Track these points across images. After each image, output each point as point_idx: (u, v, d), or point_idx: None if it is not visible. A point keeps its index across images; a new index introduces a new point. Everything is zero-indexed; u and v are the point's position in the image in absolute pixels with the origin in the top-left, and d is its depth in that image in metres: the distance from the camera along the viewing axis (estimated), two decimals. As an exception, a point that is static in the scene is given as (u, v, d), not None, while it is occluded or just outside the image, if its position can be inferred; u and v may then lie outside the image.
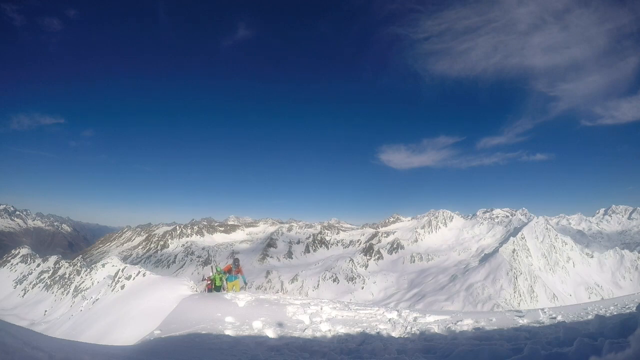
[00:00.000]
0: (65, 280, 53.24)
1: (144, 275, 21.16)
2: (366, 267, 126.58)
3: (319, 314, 4.28)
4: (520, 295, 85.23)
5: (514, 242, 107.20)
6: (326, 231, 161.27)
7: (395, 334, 3.94)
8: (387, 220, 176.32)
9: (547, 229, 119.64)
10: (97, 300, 23.53)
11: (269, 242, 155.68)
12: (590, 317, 3.35)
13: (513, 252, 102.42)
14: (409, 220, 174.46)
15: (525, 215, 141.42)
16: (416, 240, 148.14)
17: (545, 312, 4.04)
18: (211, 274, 14.49)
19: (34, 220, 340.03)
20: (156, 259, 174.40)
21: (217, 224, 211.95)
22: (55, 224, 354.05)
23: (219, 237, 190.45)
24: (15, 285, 60.63)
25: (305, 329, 4.07)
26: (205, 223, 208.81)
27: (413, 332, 3.81)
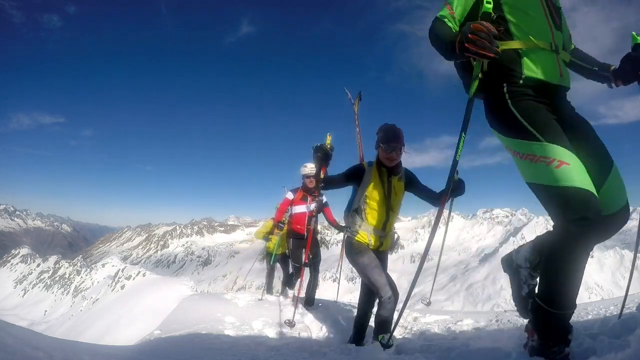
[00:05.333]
0: (65, 280, 53.19)
1: (144, 275, 21.16)
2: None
3: (319, 314, 4.28)
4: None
5: (514, 242, 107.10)
6: (326, 231, 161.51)
7: (395, 334, 3.95)
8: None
9: (547, 229, 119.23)
10: (97, 300, 23.52)
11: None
12: (590, 317, 3.35)
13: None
14: (408, 220, 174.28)
15: (526, 215, 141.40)
16: (416, 240, 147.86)
17: (545, 313, 4.03)
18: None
19: (34, 220, 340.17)
20: (156, 259, 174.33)
21: (217, 224, 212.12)
22: (55, 224, 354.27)
23: (219, 237, 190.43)
24: (15, 285, 60.55)
25: (305, 328, 4.07)
26: (205, 223, 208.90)
27: (413, 332, 3.80)
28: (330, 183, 2.96)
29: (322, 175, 2.80)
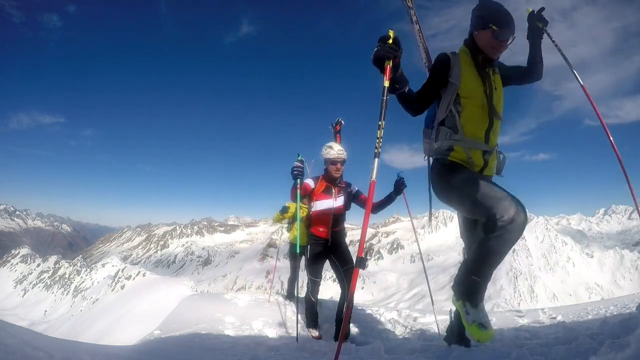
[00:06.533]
0: (65, 280, 53.20)
1: (143, 275, 21.16)
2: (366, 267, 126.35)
3: (319, 314, 4.28)
4: (520, 295, 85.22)
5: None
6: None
7: (395, 334, 3.93)
8: (387, 220, 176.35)
9: (547, 229, 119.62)
10: (97, 300, 23.54)
11: (269, 242, 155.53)
12: (590, 317, 3.35)
13: (513, 252, 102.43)
14: (409, 220, 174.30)
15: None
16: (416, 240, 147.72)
17: (545, 312, 4.03)
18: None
19: (34, 220, 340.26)
20: (156, 259, 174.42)
21: (217, 224, 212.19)
22: (55, 224, 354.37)
23: (219, 237, 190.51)
24: (15, 285, 60.57)
25: (305, 329, 4.07)
26: (205, 223, 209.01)
27: (413, 332, 3.80)
28: (424, 97, 1.99)
29: (388, 74, 1.81)
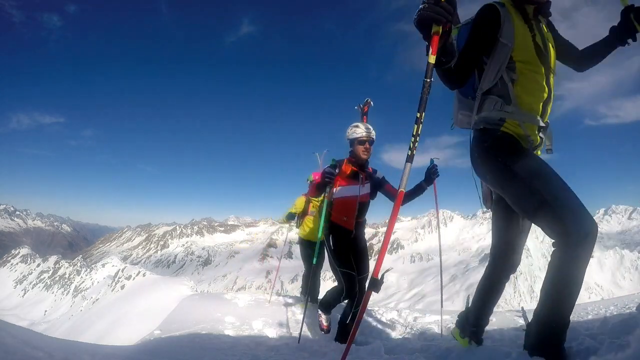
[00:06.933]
0: (65, 280, 53.22)
1: (144, 275, 21.19)
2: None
3: (318, 314, 4.28)
4: (520, 295, 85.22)
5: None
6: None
7: (395, 334, 3.93)
8: (387, 220, 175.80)
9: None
10: (97, 300, 23.55)
11: (269, 242, 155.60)
12: (590, 317, 3.35)
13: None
14: (409, 220, 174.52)
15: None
16: (416, 240, 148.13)
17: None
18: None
19: (34, 220, 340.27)
20: (156, 259, 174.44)
21: (217, 224, 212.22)
22: (55, 224, 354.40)
23: (219, 237, 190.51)
24: (15, 285, 60.59)
25: (305, 328, 4.07)
26: (205, 223, 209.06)
27: (413, 332, 3.80)
28: (467, 62, 1.52)
29: (436, 45, 1.31)
